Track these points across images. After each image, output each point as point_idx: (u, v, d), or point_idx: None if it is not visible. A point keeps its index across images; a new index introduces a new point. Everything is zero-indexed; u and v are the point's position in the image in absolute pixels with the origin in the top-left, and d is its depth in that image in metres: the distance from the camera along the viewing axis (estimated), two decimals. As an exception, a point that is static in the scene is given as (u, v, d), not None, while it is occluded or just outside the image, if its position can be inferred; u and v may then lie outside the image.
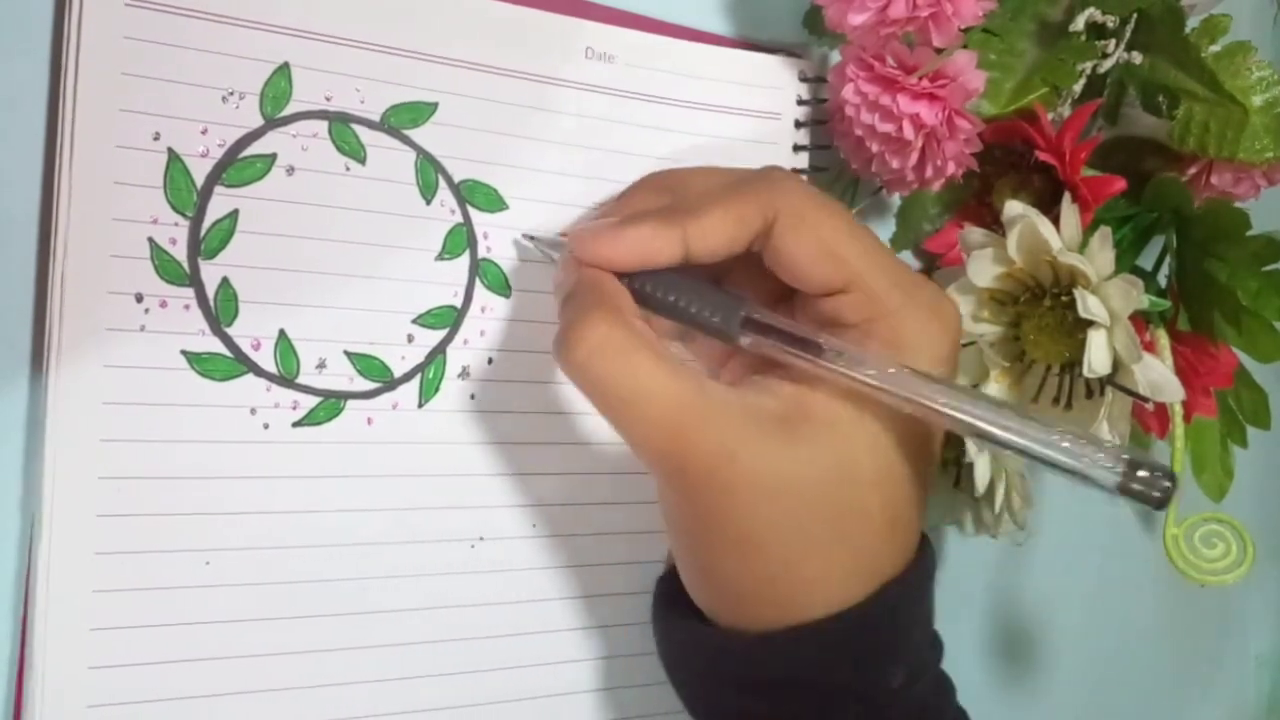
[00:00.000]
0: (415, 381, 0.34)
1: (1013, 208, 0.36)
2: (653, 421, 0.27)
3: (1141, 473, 0.26)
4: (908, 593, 0.31)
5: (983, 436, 0.28)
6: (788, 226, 0.30)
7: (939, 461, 0.30)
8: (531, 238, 0.35)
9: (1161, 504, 0.26)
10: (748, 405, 0.29)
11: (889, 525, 0.30)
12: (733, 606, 0.31)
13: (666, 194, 0.32)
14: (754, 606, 0.30)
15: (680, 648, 0.33)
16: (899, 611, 0.31)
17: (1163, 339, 0.40)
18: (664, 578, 0.35)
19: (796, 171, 0.40)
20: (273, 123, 0.32)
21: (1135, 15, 0.39)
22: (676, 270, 0.30)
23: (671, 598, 0.33)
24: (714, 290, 0.30)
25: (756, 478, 0.28)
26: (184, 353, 0.31)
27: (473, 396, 0.35)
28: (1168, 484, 0.26)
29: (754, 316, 0.30)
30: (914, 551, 0.32)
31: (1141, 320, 0.40)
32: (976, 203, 0.43)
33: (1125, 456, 0.27)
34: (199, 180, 0.31)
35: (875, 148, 0.37)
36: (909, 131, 0.36)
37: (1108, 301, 0.35)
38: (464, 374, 0.35)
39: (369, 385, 0.33)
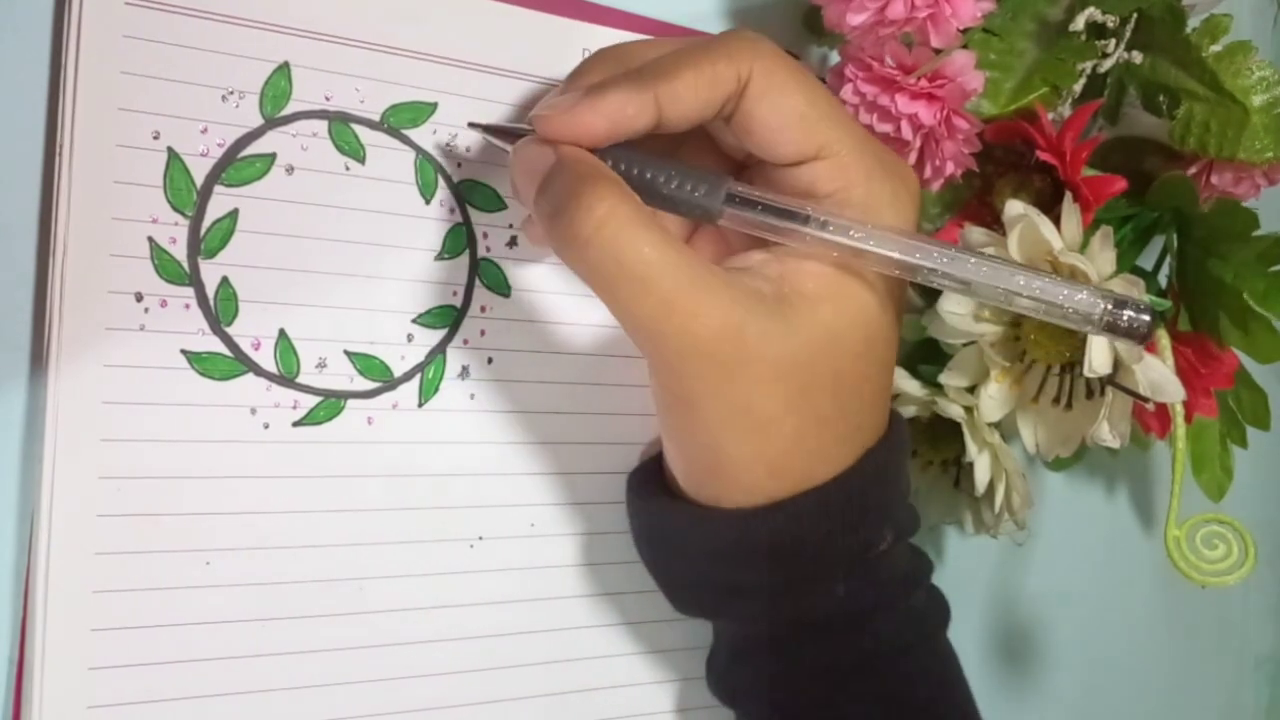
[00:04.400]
0: (415, 381, 0.34)
1: (1013, 208, 0.36)
2: (664, 297, 0.27)
3: (1127, 311, 0.28)
4: (892, 456, 0.32)
5: (971, 287, 0.29)
6: (762, 89, 0.29)
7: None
8: (481, 126, 0.33)
9: (1144, 338, 0.28)
10: (746, 282, 0.29)
11: (873, 393, 0.31)
12: (731, 484, 0.31)
13: (621, 67, 0.31)
14: (756, 482, 0.30)
15: (672, 530, 0.33)
16: (886, 474, 0.32)
17: (1163, 339, 0.40)
18: (637, 470, 0.35)
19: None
20: (272, 122, 0.32)
21: (1135, 15, 0.39)
22: (644, 147, 0.29)
23: (650, 483, 0.33)
24: (690, 167, 0.29)
25: (765, 355, 0.28)
26: (184, 352, 0.31)
27: (472, 396, 0.35)
28: (1148, 318, 0.28)
29: (737, 191, 0.29)
30: (889, 416, 0.33)
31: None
32: (977, 203, 0.43)
33: (1109, 293, 0.28)
34: (199, 179, 0.31)
35: (875, 148, 0.37)
36: (907, 132, 0.36)
37: (1108, 301, 0.35)
38: (464, 374, 0.35)
39: (369, 385, 0.33)
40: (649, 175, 0.29)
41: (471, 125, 0.34)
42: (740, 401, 0.29)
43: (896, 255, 0.29)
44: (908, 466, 0.34)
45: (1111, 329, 0.28)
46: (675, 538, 0.33)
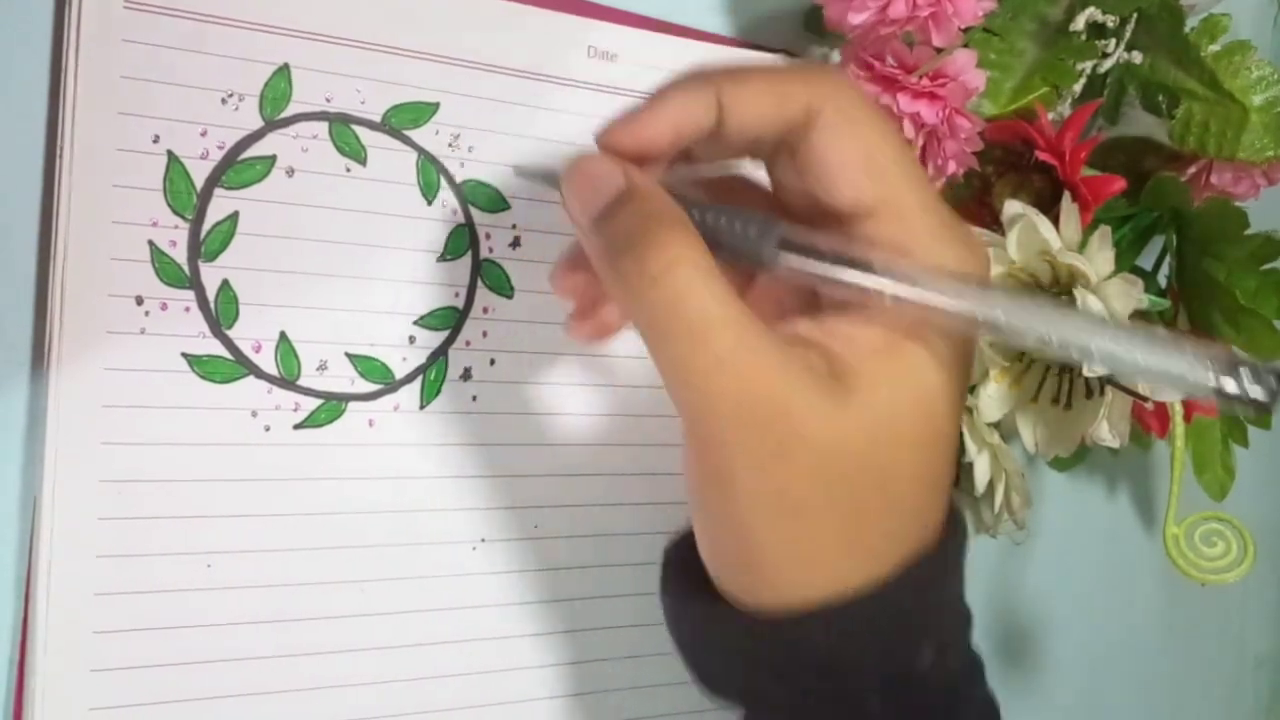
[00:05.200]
0: (417, 383, 0.34)
1: (1013, 207, 0.36)
2: (719, 355, 0.25)
3: (1243, 370, 0.23)
4: (943, 563, 0.29)
5: (1074, 351, 0.25)
6: (834, 122, 0.26)
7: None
8: (522, 170, 0.32)
9: (1263, 408, 0.23)
10: (798, 356, 0.26)
11: (928, 489, 0.28)
12: (758, 577, 0.28)
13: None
14: (785, 578, 0.27)
15: (697, 625, 0.30)
16: (933, 585, 0.29)
17: (1163, 338, 0.40)
18: (674, 546, 0.32)
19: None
20: (272, 124, 0.32)
21: (1135, 15, 0.40)
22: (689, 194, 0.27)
23: (683, 568, 0.30)
24: (742, 209, 0.27)
25: (812, 436, 0.25)
26: (185, 355, 0.31)
27: (474, 398, 0.35)
28: (1275, 383, 0.23)
29: (791, 235, 0.26)
30: (946, 516, 0.29)
31: (1141, 320, 0.40)
32: (976, 202, 0.43)
33: (1222, 357, 0.23)
34: (199, 182, 0.31)
35: (876, 148, 0.37)
36: (909, 130, 0.36)
37: (1107, 301, 0.35)
38: (466, 375, 0.35)
39: (370, 387, 0.33)
40: (702, 215, 0.27)
41: (516, 169, 0.33)
42: (778, 484, 0.26)
43: (983, 314, 0.25)
44: (962, 572, 0.30)
45: (1223, 396, 0.24)
46: (695, 630, 0.31)
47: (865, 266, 0.26)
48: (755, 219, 0.27)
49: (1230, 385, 0.23)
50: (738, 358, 0.25)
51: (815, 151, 0.27)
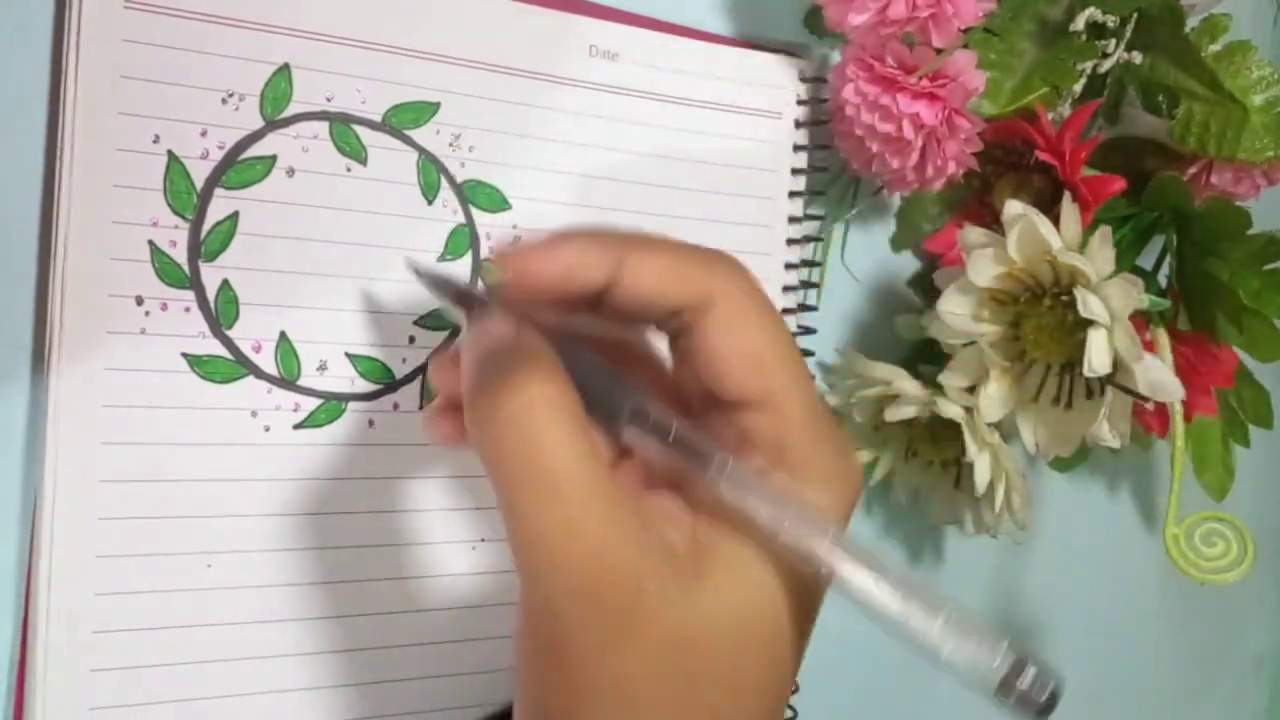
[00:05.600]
0: (417, 383, 0.34)
1: (1013, 207, 0.36)
2: (569, 516, 0.23)
3: (1029, 672, 0.22)
4: None
5: (860, 604, 0.24)
6: (726, 314, 0.26)
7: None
8: (418, 271, 0.30)
9: (1044, 711, 0.22)
10: (659, 533, 0.25)
11: (772, 692, 0.26)
12: None
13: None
14: None
15: None
16: None
17: (1163, 338, 0.40)
18: None
19: (796, 172, 0.40)
20: (273, 124, 0.32)
21: (1135, 15, 0.40)
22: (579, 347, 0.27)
23: None
24: (611, 372, 0.27)
25: (658, 621, 0.23)
26: (185, 355, 0.31)
27: (474, 398, 0.35)
28: (1053, 687, 0.22)
29: (646, 409, 0.26)
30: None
31: (1142, 320, 0.40)
32: (976, 203, 0.43)
33: (1009, 654, 0.23)
34: (199, 182, 0.31)
35: (875, 147, 0.37)
36: (909, 131, 0.36)
37: (1108, 301, 0.35)
38: (465, 375, 0.35)
39: (370, 387, 0.33)
40: (579, 366, 0.26)
41: (412, 266, 0.30)
42: (615, 669, 0.23)
43: (794, 542, 0.24)
44: None
45: (1005, 692, 0.23)
46: None
47: (703, 461, 0.25)
48: (615, 385, 0.26)
49: (1014, 685, 0.22)
50: (592, 523, 0.23)
51: (705, 341, 0.26)
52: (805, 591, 0.26)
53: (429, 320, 0.34)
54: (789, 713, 0.41)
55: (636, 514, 0.24)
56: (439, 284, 0.29)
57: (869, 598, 0.24)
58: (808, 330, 0.41)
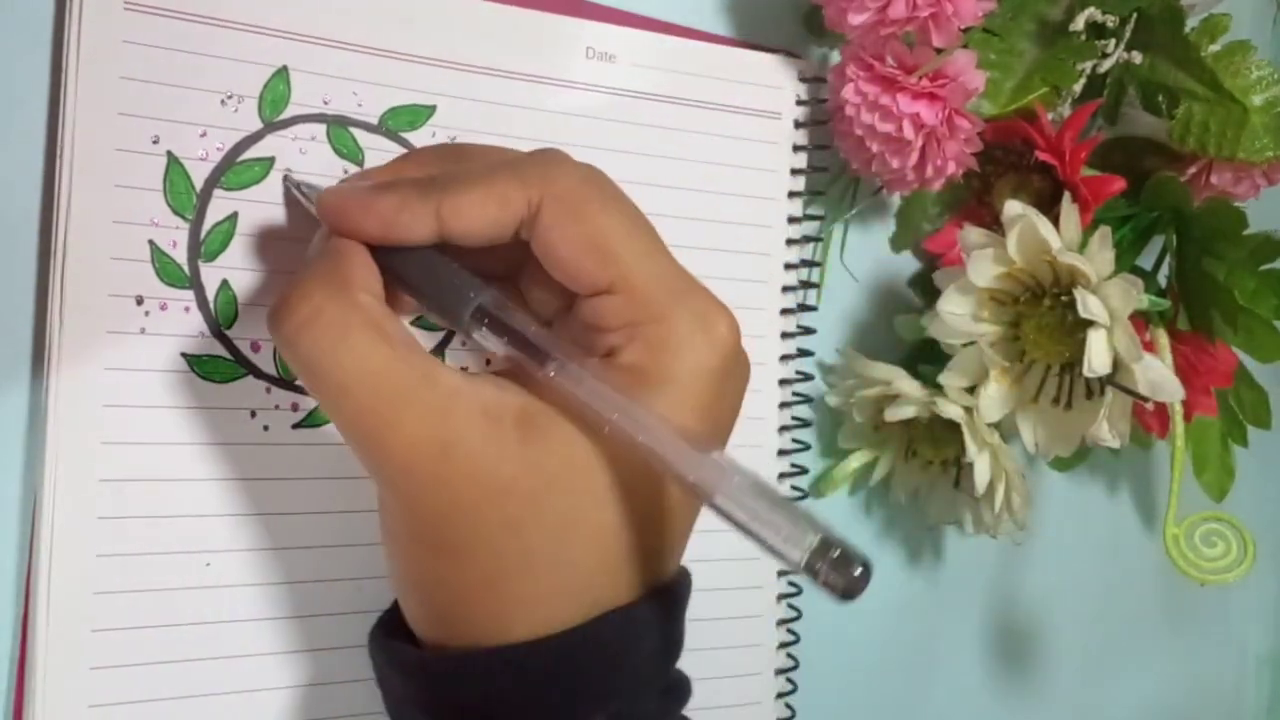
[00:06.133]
0: (415, 383, 0.34)
1: (1013, 208, 0.36)
2: (360, 406, 0.25)
3: (834, 553, 0.23)
4: (630, 627, 0.27)
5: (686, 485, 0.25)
6: (554, 215, 0.27)
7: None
8: (295, 184, 0.32)
9: (849, 594, 0.23)
10: (483, 397, 0.26)
11: (622, 550, 0.27)
12: (436, 623, 0.27)
13: (444, 165, 0.29)
14: (457, 624, 0.27)
15: (381, 669, 0.29)
16: (613, 647, 0.27)
17: (1163, 339, 0.40)
18: (392, 607, 0.30)
19: (795, 172, 0.40)
20: (271, 126, 0.32)
21: (1135, 15, 0.40)
22: (437, 248, 0.27)
23: (390, 622, 0.29)
24: (460, 274, 0.27)
25: (474, 476, 0.25)
26: (184, 355, 0.31)
27: (473, 398, 0.35)
28: (860, 570, 0.22)
29: (489, 308, 0.27)
30: (654, 585, 0.28)
31: (1141, 320, 0.40)
32: (976, 203, 0.43)
33: (820, 535, 0.23)
34: (198, 183, 0.31)
35: (875, 147, 0.37)
36: (909, 131, 0.36)
37: (1108, 301, 0.35)
38: (464, 375, 0.35)
39: (369, 387, 0.33)
40: (408, 276, 0.27)
41: (288, 179, 0.32)
42: (425, 524, 0.26)
43: (623, 431, 0.25)
44: (670, 641, 0.28)
45: (812, 572, 0.23)
46: (378, 672, 0.30)
47: (539, 359, 0.26)
48: (459, 288, 0.27)
49: (818, 567, 0.23)
50: (381, 406, 0.25)
51: (541, 245, 0.27)
52: (630, 467, 0.26)
53: (426, 320, 0.34)
54: (788, 712, 0.41)
55: (443, 389, 0.25)
56: (306, 195, 0.31)
57: (680, 477, 0.24)
58: (808, 330, 0.41)
